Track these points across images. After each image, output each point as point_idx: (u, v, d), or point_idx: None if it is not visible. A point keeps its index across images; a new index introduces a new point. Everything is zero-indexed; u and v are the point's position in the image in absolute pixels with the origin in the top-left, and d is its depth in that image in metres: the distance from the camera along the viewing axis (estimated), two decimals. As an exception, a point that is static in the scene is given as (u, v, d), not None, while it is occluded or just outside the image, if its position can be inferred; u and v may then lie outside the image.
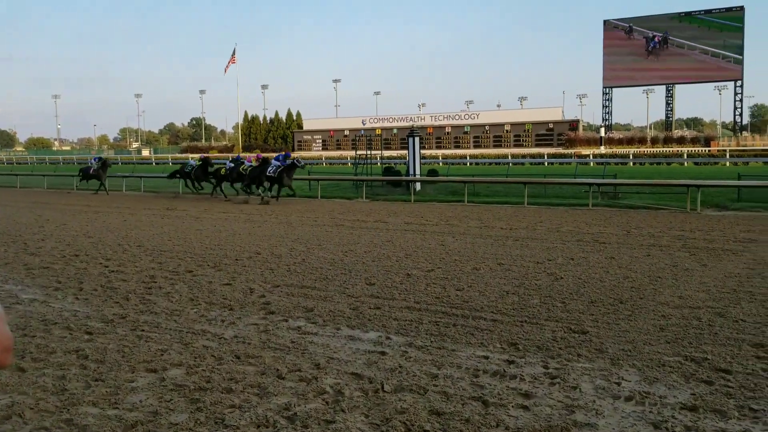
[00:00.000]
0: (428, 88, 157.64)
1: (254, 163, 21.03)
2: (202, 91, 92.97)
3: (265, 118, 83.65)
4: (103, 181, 24.87)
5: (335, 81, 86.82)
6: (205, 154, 26.98)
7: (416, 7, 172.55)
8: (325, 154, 70.13)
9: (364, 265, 8.60)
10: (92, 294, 7.03)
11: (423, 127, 64.86)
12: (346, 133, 72.45)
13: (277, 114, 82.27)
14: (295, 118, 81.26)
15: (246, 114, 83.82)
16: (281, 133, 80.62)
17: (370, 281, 7.49)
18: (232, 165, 21.50)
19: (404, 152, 23.44)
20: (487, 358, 4.75)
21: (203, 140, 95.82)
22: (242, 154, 26.48)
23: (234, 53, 78.45)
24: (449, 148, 65.45)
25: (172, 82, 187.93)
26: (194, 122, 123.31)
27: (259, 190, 20.46)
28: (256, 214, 15.92)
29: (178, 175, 23.88)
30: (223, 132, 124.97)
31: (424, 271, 8.08)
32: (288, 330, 5.56)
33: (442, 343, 5.13)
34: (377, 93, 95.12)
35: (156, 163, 62.65)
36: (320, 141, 75.90)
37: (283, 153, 21.06)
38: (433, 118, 70.94)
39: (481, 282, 7.39)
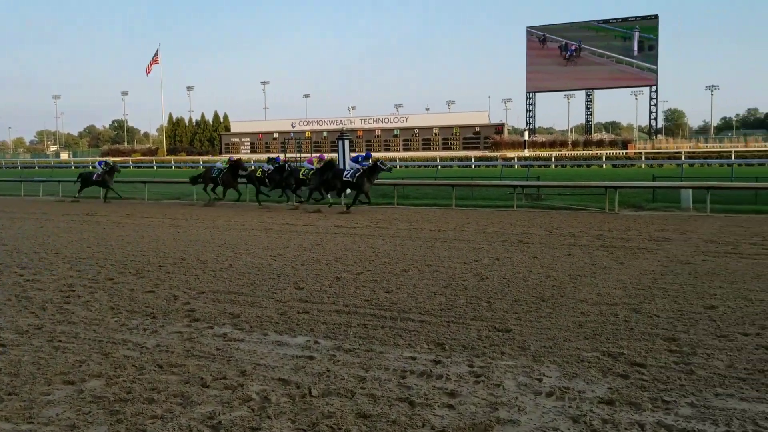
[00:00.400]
0: (358, 91, 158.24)
1: (316, 165, 18.41)
2: (124, 93, 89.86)
3: (190, 120, 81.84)
4: (110, 186, 22.23)
5: (264, 83, 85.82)
6: (235, 157, 23.50)
7: (346, 10, 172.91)
8: (254, 157, 69.14)
9: (293, 269, 8.52)
10: (5, 304, 6.68)
11: (353, 130, 65.05)
12: (275, 135, 71.76)
13: (203, 116, 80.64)
14: (222, 120, 79.89)
15: (171, 116, 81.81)
16: (208, 135, 79.06)
17: (299, 285, 7.44)
18: (271, 167, 19.21)
19: (334, 155, 23.45)
20: (414, 358, 4.79)
21: (125, 143, 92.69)
22: (280, 156, 22.79)
23: (157, 53, 76.41)
24: (379, 151, 65.77)
25: (92, 83, 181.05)
26: (116, 124, 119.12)
27: (327, 196, 18.06)
28: (181, 219, 15.53)
29: (200, 180, 21.07)
30: (146, 134, 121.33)
31: (353, 274, 8.08)
32: (213, 337, 5.45)
33: (371, 345, 5.15)
34: (307, 95, 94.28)
35: (75, 167, 60.18)
36: (249, 144, 74.86)
37: (363, 153, 18.55)
38: (363, 121, 71.20)
39: (410, 284, 7.46)
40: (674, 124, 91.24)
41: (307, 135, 64.27)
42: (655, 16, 62.08)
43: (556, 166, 49.96)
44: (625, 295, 6.74)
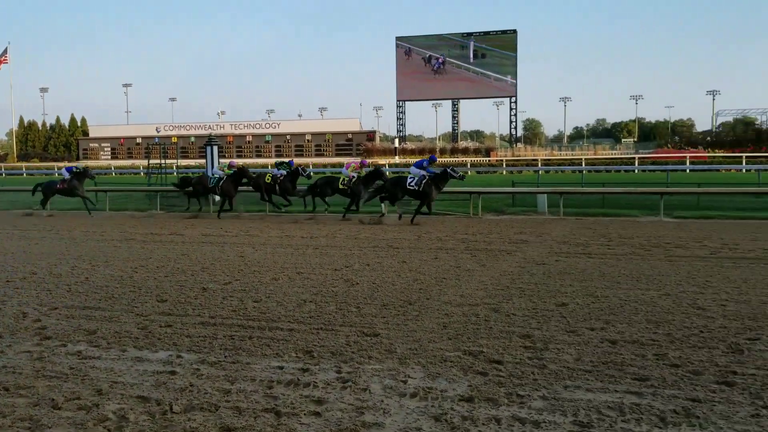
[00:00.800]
0: (228, 96, 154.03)
1: (354, 172, 16.35)
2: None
3: (44, 124, 76.26)
4: (81, 194, 18.70)
5: (126, 85, 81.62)
6: (235, 161, 21.46)
7: (213, 12, 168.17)
8: (114, 163, 65.57)
9: (155, 281, 8.17)
10: None
11: (222, 136, 63.47)
12: (139, 141, 68.53)
13: (58, 120, 75.62)
14: (80, 124, 75.18)
15: (22, 120, 75.82)
16: (64, 140, 74.13)
17: (162, 298, 7.14)
18: (283, 173, 17.31)
19: (203, 161, 22.74)
20: (282, 368, 4.75)
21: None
22: (293, 160, 21.19)
23: (6, 52, 70.61)
24: (250, 158, 64.63)
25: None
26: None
27: (383, 207, 16.75)
28: (32, 230, 14.41)
29: (188, 188, 18.31)
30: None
31: (220, 284, 7.88)
32: (66, 356, 5.11)
33: (237, 357, 5.04)
34: (173, 99, 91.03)
35: None
36: (109, 149, 70.88)
37: (427, 158, 16.22)
38: (234, 126, 69.70)
39: (280, 292, 7.39)
40: (532, 133, 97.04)
41: (173, 140, 61.96)
42: (514, 31, 65.79)
43: (425, 172, 51.39)
44: (486, 296, 7.07)
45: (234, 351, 5.19)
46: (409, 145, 66.39)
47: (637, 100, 77.04)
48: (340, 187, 16.31)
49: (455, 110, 69.97)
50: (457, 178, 15.34)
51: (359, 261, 9.61)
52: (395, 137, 68.08)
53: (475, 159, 57.84)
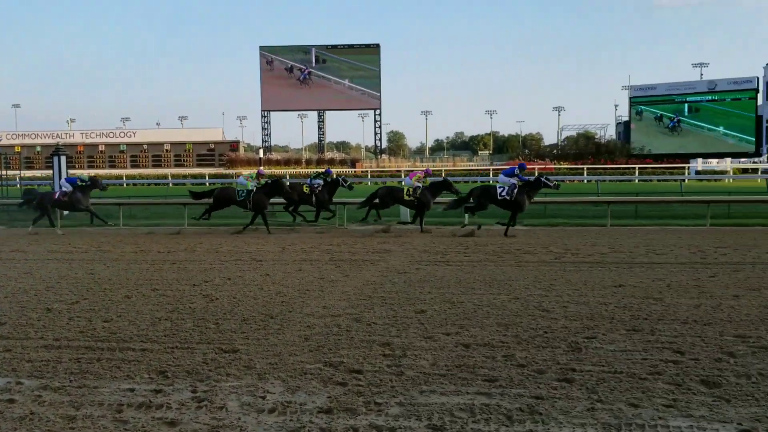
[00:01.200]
0: (78, 103, 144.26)
1: (419, 182, 15.45)
2: None
3: None
4: (87, 208, 16.47)
5: (-42, 89, 74.12)
6: (263, 170, 19.65)
7: (59, 14, 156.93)
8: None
9: (-9, 303, 7.48)
10: None
11: (72, 145, 59.46)
12: (-25, 149, 62.38)
13: None
14: None
15: None
16: None
17: (0, 321, 6.56)
18: (320, 182, 16.53)
19: (50, 172, 21.13)
20: (133, 390, 4.52)
21: None
22: (331, 169, 20.10)
23: None
24: (103, 168, 60.99)
25: None
26: None
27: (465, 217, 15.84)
28: None
29: (207, 197, 16.41)
30: None
31: (67, 304, 7.36)
32: None
33: (84, 381, 4.74)
34: (16, 106, 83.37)
35: None
36: (-61, 158, 63.97)
37: (517, 164, 15.08)
38: (85, 135, 65.38)
39: (133, 310, 7.04)
40: (396, 144, 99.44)
41: (16, 150, 57.28)
42: (377, 45, 67.26)
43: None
44: (348, 306, 7.15)
45: (80, 375, 4.87)
46: (275, 156, 65.73)
47: (491, 115, 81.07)
48: (406, 198, 15.52)
49: (321, 121, 70.22)
50: (552, 187, 14.62)
51: (220, 275, 9.37)
52: (260, 147, 67.12)
53: (341, 170, 58.35)
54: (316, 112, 69.94)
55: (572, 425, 3.90)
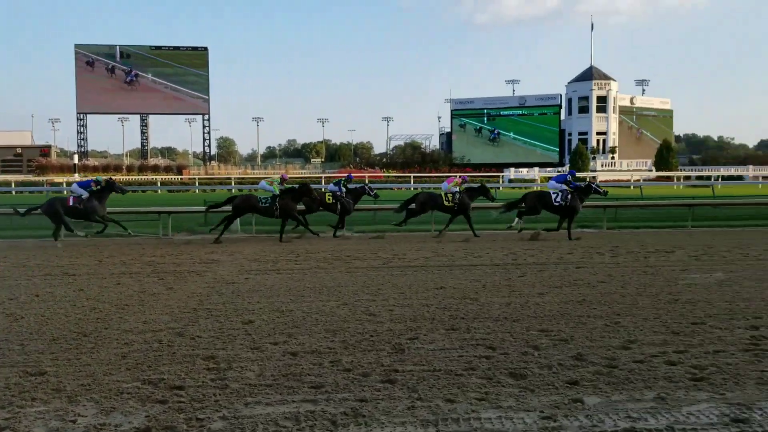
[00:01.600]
0: None
1: (456, 188, 15.51)
2: None
3: None
4: (102, 215, 14.64)
5: None
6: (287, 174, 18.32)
7: None
8: None
9: None
10: None
11: None
12: None
13: None
14: None
15: None
16: None
17: None
18: (343, 190, 15.97)
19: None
20: None
21: None
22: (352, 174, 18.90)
23: None
24: None
25: None
26: None
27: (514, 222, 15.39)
28: None
29: (228, 206, 15.24)
30: None
31: None
32: None
33: None
34: None
35: None
36: None
37: (566, 170, 13.51)
38: None
39: None
40: (226, 151, 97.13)
41: None
42: (205, 48, 65.35)
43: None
44: (171, 320, 6.86)
45: None
46: (92, 162, 61.34)
47: (324, 123, 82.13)
48: (446, 204, 15.58)
49: (144, 125, 66.75)
50: (602, 194, 15.36)
51: (26, 292, 8.55)
52: (75, 153, 62.20)
53: (166, 177, 55.71)
54: (138, 116, 66.35)
55: (393, 425, 4.05)
